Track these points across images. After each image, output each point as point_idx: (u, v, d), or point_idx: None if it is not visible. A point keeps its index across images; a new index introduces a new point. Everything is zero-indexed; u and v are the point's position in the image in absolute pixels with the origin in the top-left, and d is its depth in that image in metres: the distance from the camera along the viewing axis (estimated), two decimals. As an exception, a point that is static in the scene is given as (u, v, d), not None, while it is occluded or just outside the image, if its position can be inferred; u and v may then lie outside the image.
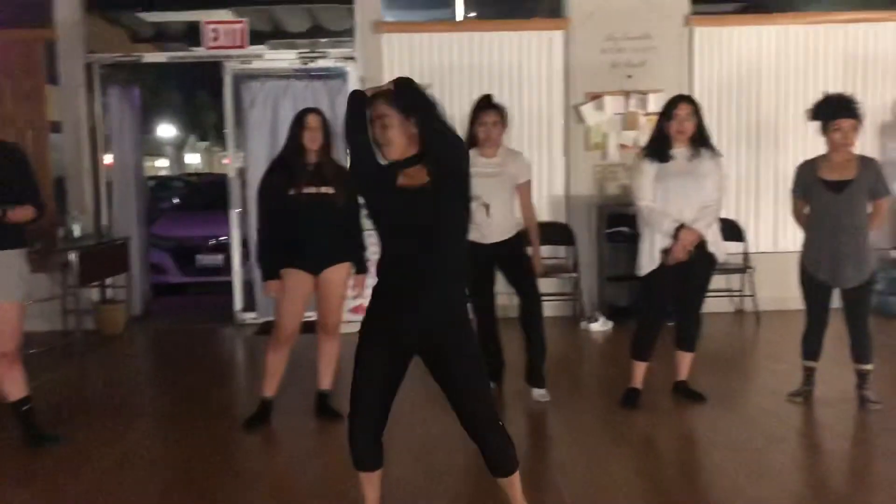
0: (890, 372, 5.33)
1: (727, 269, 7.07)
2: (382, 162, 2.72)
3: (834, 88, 6.93)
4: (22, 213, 3.91)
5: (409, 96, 2.68)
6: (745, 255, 7.06)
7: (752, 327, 6.82)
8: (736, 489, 3.48)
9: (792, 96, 7.15)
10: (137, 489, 3.65)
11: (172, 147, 36.71)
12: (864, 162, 4.39)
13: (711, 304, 6.97)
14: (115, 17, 9.52)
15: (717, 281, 7.04)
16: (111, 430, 4.45)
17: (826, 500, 3.45)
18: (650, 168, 4.41)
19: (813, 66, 7.23)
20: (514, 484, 2.87)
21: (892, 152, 7.30)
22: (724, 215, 7.01)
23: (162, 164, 35.00)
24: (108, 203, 7.47)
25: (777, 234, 7.28)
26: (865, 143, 7.21)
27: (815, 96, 4.60)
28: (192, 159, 40.92)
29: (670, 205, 4.34)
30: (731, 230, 7.11)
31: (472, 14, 9.35)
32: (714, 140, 6.95)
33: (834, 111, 4.30)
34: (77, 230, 6.71)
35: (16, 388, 4.06)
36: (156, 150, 32.92)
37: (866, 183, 4.31)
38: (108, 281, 7.20)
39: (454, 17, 8.75)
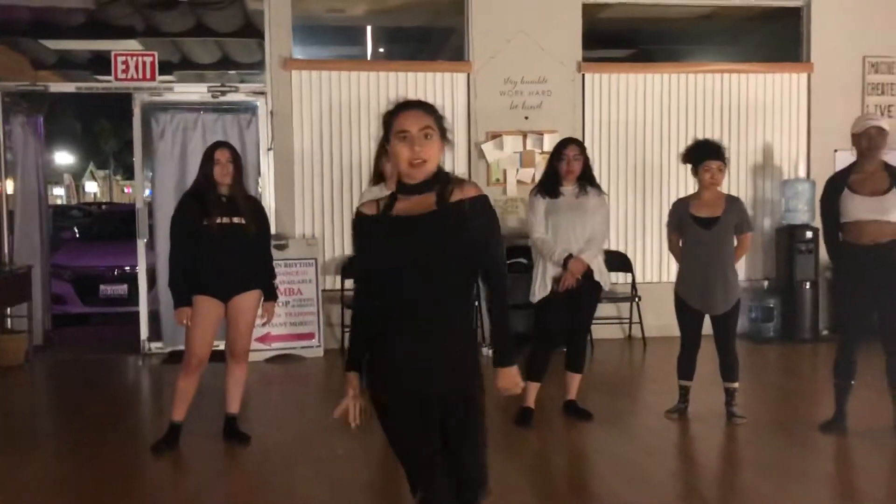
0: (759, 390, 5.87)
1: (616, 298, 7.59)
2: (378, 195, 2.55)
3: (713, 132, 7.67)
4: None
5: (443, 119, 2.50)
6: (633, 285, 7.57)
7: (639, 352, 7.31)
8: (616, 497, 3.83)
9: (675, 138, 7.75)
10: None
11: (70, 175, 35.62)
12: (731, 200, 4.90)
13: (603, 331, 7.51)
14: (14, 43, 9.42)
15: (608, 309, 7.61)
16: (15, 458, 4.45)
17: (694, 504, 3.85)
18: (541, 203, 4.81)
19: (693, 111, 7.87)
20: None
21: (762, 191, 8.00)
22: (613, 248, 7.63)
23: (59, 193, 33.91)
24: (10, 231, 7.38)
25: (662, 266, 7.82)
26: (740, 183, 7.93)
27: (694, 139, 5.12)
28: (91, 187, 39.80)
29: (559, 237, 4.73)
30: (620, 262, 7.63)
31: (381, 50, 9.74)
32: (601, 178, 7.53)
33: (703, 154, 4.80)
34: (-23, 259, 6.63)
35: None
36: (53, 177, 31.89)
37: (732, 219, 4.82)
38: (8, 311, 7.11)
39: (364, 55, 9.11)
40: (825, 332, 7.55)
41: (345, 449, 4.39)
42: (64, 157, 34.18)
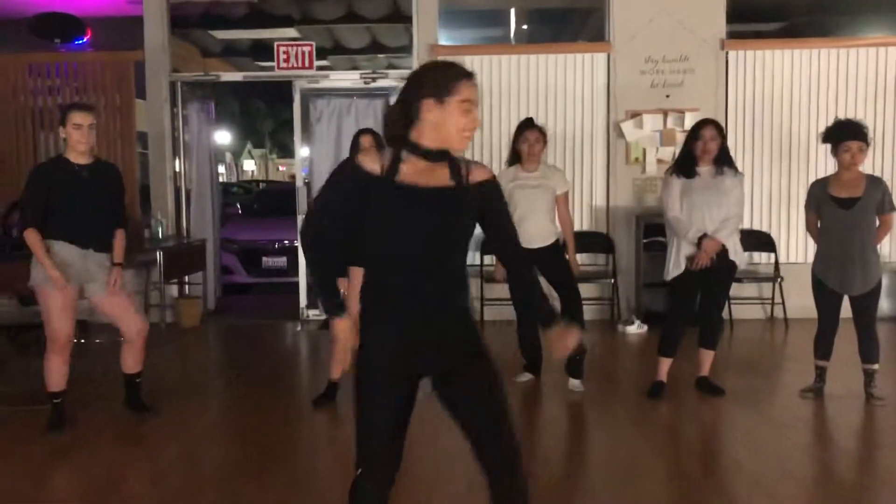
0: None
1: (759, 278, 7.54)
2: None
3: (865, 109, 7.44)
4: (122, 247, 4.64)
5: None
6: (776, 265, 7.48)
7: (780, 333, 7.25)
8: (739, 467, 3.97)
9: (823, 115, 7.54)
10: (222, 453, 4.31)
11: (230, 153, 37.91)
12: (872, 181, 4.84)
13: (744, 311, 7.50)
14: (187, 35, 10.32)
15: (750, 289, 7.58)
16: (196, 406, 5.11)
17: (821, 481, 3.92)
18: (677, 183, 4.94)
19: (844, 87, 7.63)
20: None
21: (918, 170, 7.66)
22: (756, 227, 7.56)
23: (220, 171, 36.18)
24: (187, 207, 8.22)
25: (807, 246, 7.62)
26: (895, 161, 7.63)
27: (835, 118, 5.07)
28: (248, 165, 42.14)
29: (694, 217, 4.85)
30: (764, 241, 7.57)
31: (524, 27, 9.96)
32: (745, 156, 7.47)
33: (843, 134, 4.75)
34: (160, 232, 7.45)
35: (138, 363, 4.77)
36: (217, 157, 34.07)
37: (874, 200, 4.76)
38: (186, 278, 7.94)
39: (506, 37, 9.35)
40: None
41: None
42: (224, 137, 36.41)
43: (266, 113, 38.69)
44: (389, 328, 2.33)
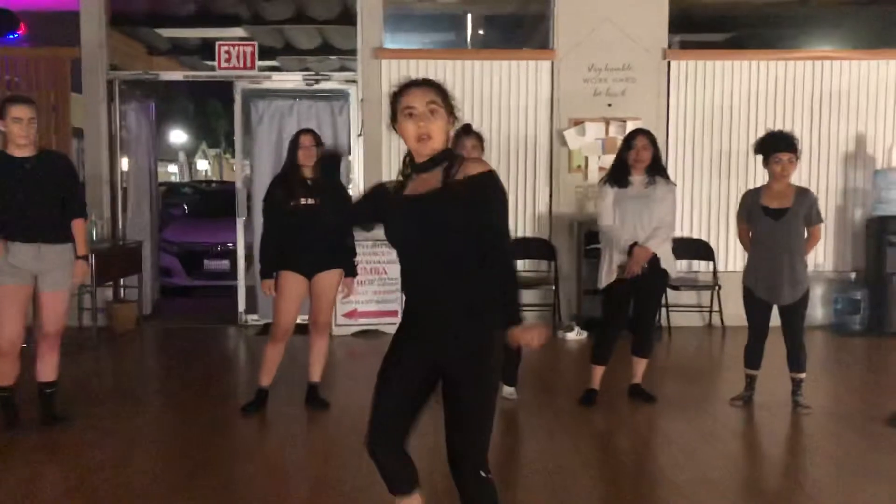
0: (835, 383, 5.85)
1: (697, 286, 7.62)
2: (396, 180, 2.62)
3: (802, 120, 7.59)
4: (83, 237, 4.56)
5: (450, 97, 2.59)
6: (715, 273, 7.57)
7: (717, 340, 7.34)
8: (667, 479, 3.98)
9: (762, 126, 7.57)
10: (147, 459, 4.20)
11: (184, 153, 37.38)
12: (801, 192, 4.91)
13: (682, 319, 7.58)
14: (133, 32, 10.12)
15: (688, 297, 7.66)
16: (125, 412, 4.99)
17: (742, 488, 3.95)
18: (610, 192, 4.96)
19: (782, 98, 7.76)
20: None
21: (853, 180, 7.82)
22: (695, 236, 7.65)
23: (173, 170, 35.66)
24: (123, 208, 8.03)
25: (745, 256, 7.75)
26: (829, 171, 7.79)
27: (766, 130, 5.14)
28: (203, 165, 41.58)
29: (626, 225, 4.87)
30: (703, 250, 7.66)
31: (480, 33, 9.96)
32: (685, 165, 7.56)
33: (774, 146, 4.82)
34: (94, 233, 7.26)
35: (50, 369, 4.61)
36: (167, 155, 33.56)
37: (802, 211, 4.83)
38: (121, 281, 7.76)
39: (462, 42, 9.33)
40: (916, 327, 7.37)
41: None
42: (178, 136, 35.88)
43: (221, 113, 38.21)
44: (406, 316, 2.68)
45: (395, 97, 2.57)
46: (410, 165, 2.59)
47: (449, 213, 2.47)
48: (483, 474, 2.56)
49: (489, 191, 2.49)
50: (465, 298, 2.50)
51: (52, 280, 4.46)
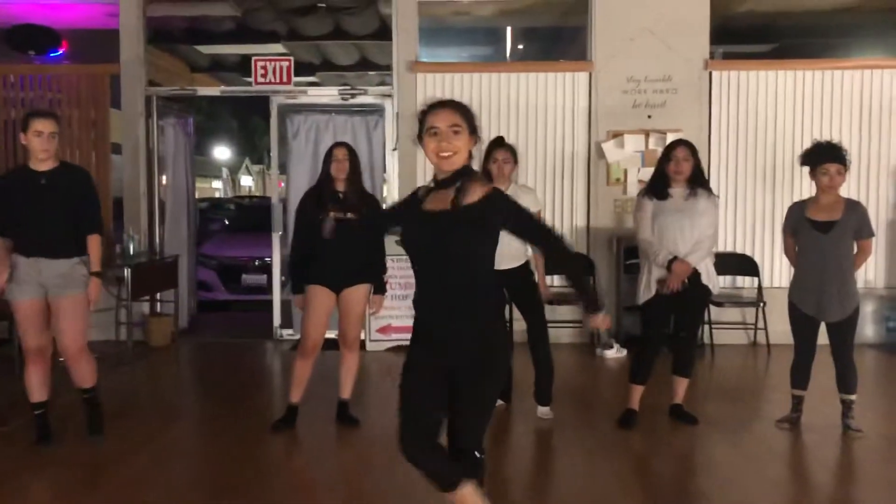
0: (888, 404, 5.59)
1: (742, 303, 7.39)
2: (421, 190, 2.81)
3: (850, 131, 7.33)
4: (97, 254, 4.49)
5: (473, 116, 2.76)
6: (759, 289, 7.33)
7: (762, 359, 7.08)
8: (706, 502, 3.81)
9: (808, 138, 7.32)
10: (174, 477, 4.14)
11: (227, 169, 37.88)
12: (850, 205, 4.70)
13: (726, 336, 7.34)
14: (173, 49, 10.25)
15: (732, 314, 7.42)
16: (155, 427, 4.96)
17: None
18: (649, 205, 4.80)
19: (828, 109, 7.51)
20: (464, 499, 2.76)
21: (905, 194, 7.54)
22: (739, 251, 7.43)
23: (217, 186, 36.15)
24: (161, 223, 8.07)
25: (792, 271, 7.50)
26: (880, 185, 7.51)
27: (813, 140, 4.94)
28: (246, 181, 42.10)
29: (666, 239, 4.71)
30: (747, 265, 7.43)
31: (520, 47, 9.87)
32: (728, 178, 7.36)
33: (821, 157, 4.63)
34: (132, 248, 7.30)
35: (82, 376, 4.55)
36: (212, 171, 34.03)
37: (851, 224, 4.62)
38: (158, 296, 7.79)
39: (500, 55, 9.25)
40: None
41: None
42: (222, 153, 36.39)
43: (264, 129, 38.66)
44: (417, 325, 2.84)
45: (423, 115, 2.76)
46: (435, 182, 2.78)
47: (452, 236, 2.67)
48: (478, 455, 2.80)
49: (504, 204, 2.75)
50: (469, 311, 2.72)
51: (60, 285, 4.35)
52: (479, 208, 2.67)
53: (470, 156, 2.76)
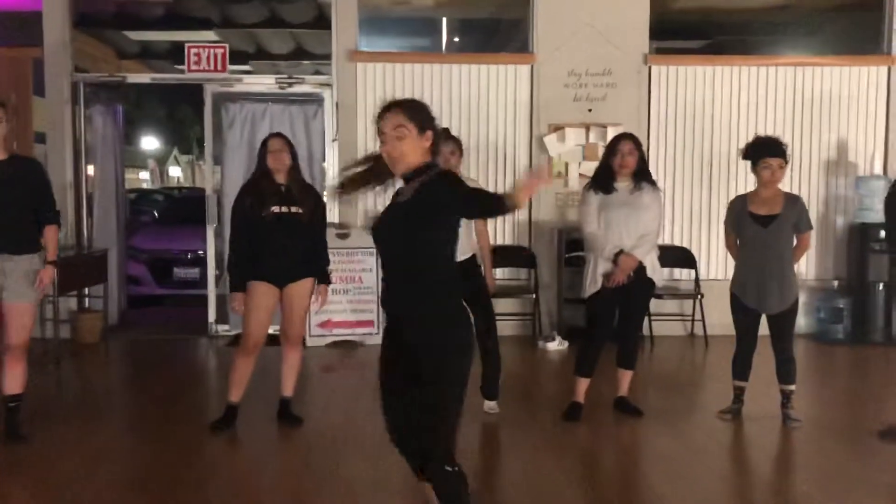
0: (822, 394, 5.73)
1: (679, 295, 7.49)
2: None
3: (784, 126, 7.48)
4: (54, 243, 4.40)
5: (424, 113, 2.78)
6: (697, 281, 7.44)
7: (700, 350, 7.20)
8: (657, 495, 3.81)
9: (744, 133, 7.50)
10: (106, 482, 3.94)
11: (155, 160, 36.86)
12: (790, 199, 4.78)
13: (664, 328, 7.43)
14: (101, 35, 9.83)
15: (671, 306, 7.52)
16: (85, 429, 4.72)
17: (738, 506, 3.80)
18: (595, 199, 4.79)
19: (764, 105, 7.67)
20: None
21: (835, 187, 7.75)
22: (677, 243, 7.52)
23: (144, 177, 35.14)
24: (89, 215, 7.74)
25: (728, 263, 7.56)
26: (811, 179, 7.71)
27: (755, 135, 5.00)
28: (175, 172, 41.07)
29: (611, 233, 4.70)
30: (684, 258, 7.53)
31: (455, 40, 9.77)
32: (666, 172, 7.44)
33: (763, 151, 4.69)
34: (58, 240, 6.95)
35: (15, 382, 4.36)
36: (138, 162, 33.06)
37: (791, 218, 4.70)
38: (86, 291, 7.46)
39: (437, 47, 9.14)
40: (900, 336, 7.29)
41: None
42: (150, 143, 35.39)
43: (194, 118, 37.74)
44: (386, 321, 2.91)
45: (377, 121, 2.79)
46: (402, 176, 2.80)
47: (409, 221, 2.70)
48: (449, 469, 2.68)
49: (446, 182, 2.70)
50: (422, 302, 2.72)
51: (17, 291, 4.27)
52: (426, 192, 2.70)
53: (432, 151, 2.78)
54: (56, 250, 4.45)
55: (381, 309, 2.97)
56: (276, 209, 4.49)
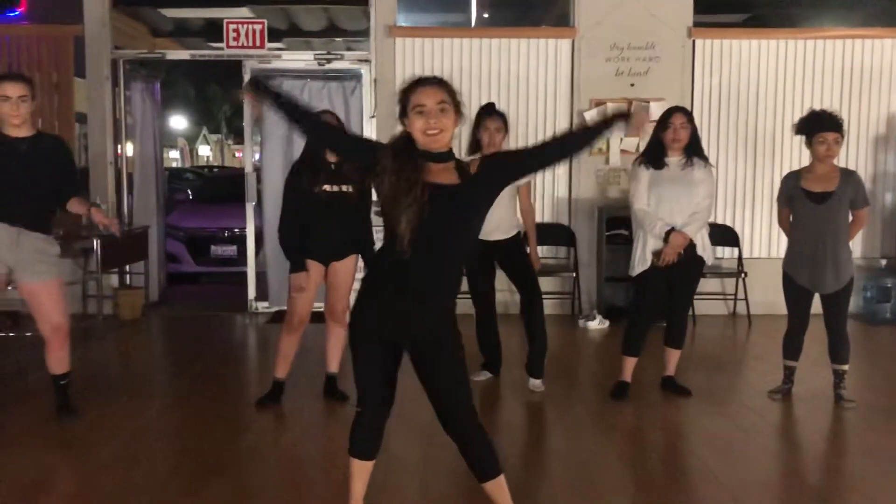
0: (872, 374, 5.62)
1: (722, 273, 7.38)
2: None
3: (830, 100, 7.30)
4: (85, 202, 4.36)
5: (457, 97, 2.70)
6: (740, 260, 7.32)
7: (743, 329, 7.09)
8: (708, 474, 3.76)
9: (789, 108, 7.41)
10: (154, 458, 3.96)
11: (184, 139, 37.06)
12: (846, 174, 4.65)
13: (706, 307, 7.33)
14: (136, 12, 9.83)
15: (713, 284, 7.40)
16: (131, 406, 4.75)
17: (792, 487, 3.72)
18: (645, 174, 4.69)
19: (810, 79, 7.49)
20: (500, 488, 2.81)
21: (883, 164, 7.56)
22: (720, 221, 7.39)
23: (174, 156, 35.35)
24: (129, 193, 7.78)
25: (771, 241, 7.54)
26: (859, 154, 7.52)
27: (810, 109, 4.86)
28: (204, 151, 41.27)
29: (662, 209, 4.61)
30: (727, 236, 7.40)
31: (485, 16, 9.65)
32: (709, 148, 7.30)
33: (818, 125, 4.55)
34: (99, 218, 7.00)
35: (60, 364, 4.38)
36: (168, 141, 33.22)
37: (847, 194, 4.58)
38: (127, 268, 7.52)
39: (468, 22, 9.05)
40: (947, 315, 7.13)
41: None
42: (179, 122, 35.53)
43: (223, 97, 37.80)
44: (373, 295, 2.78)
45: (405, 94, 2.67)
46: (420, 153, 2.64)
47: (473, 206, 2.67)
48: (480, 425, 2.78)
49: (500, 155, 2.97)
50: (449, 278, 2.73)
51: (34, 270, 4.21)
52: (480, 174, 2.69)
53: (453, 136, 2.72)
54: (90, 204, 4.40)
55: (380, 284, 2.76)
56: (327, 187, 4.46)
